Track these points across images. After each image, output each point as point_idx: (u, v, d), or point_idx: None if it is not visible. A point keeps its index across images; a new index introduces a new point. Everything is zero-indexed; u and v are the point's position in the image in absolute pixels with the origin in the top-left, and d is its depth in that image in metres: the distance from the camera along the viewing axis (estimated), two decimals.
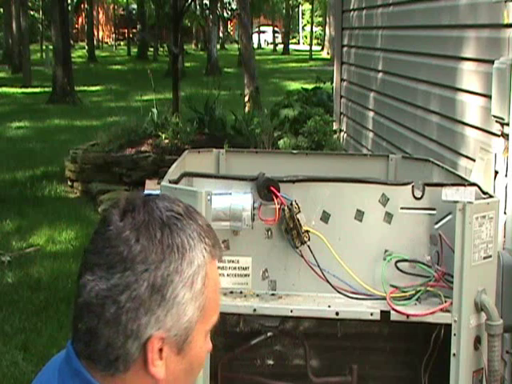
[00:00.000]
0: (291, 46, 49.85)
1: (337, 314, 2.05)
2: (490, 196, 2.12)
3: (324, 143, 8.01)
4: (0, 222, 8.14)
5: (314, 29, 54.53)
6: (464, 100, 4.20)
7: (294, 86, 20.76)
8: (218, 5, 31.07)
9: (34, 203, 9.00)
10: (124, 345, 1.09)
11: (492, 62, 3.47)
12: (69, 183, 10.02)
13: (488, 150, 3.56)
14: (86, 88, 22.51)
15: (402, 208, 2.12)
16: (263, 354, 2.27)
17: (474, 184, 2.15)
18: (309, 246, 2.09)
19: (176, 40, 11.84)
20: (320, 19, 57.93)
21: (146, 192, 1.22)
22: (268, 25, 58.58)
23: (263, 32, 58.54)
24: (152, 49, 37.81)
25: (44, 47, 33.85)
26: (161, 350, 1.11)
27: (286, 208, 2.09)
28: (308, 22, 56.60)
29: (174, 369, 1.13)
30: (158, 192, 1.13)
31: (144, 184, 7.59)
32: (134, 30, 45.42)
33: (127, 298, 1.08)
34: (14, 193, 9.53)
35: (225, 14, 35.26)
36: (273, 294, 2.16)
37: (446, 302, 2.01)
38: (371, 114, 6.79)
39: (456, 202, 1.99)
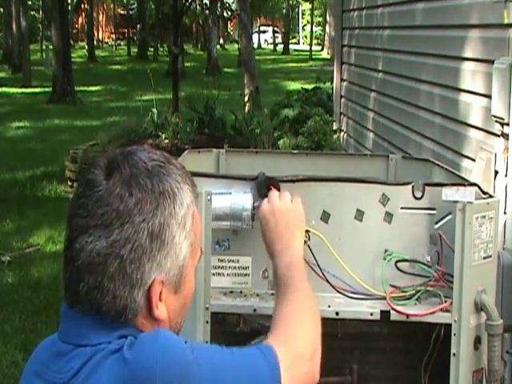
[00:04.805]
0: (291, 46, 49.83)
1: (337, 314, 2.05)
2: (490, 196, 2.11)
3: (324, 143, 8.02)
4: (0, 222, 8.14)
5: (314, 29, 54.49)
6: (464, 100, 4.20)
7: (294, 85, 20.76)
8: (218, 5, 31.08)
9: (33, 203, 9.00)
10: (130, 293, 1.13)
11: (492, 62, 3.47)
12: (69, 183, 10.01)
13: (488, 150, 3.56)
14: (86, 88, 22.50)
15: (402, 208, 2.11)
16: None
17: (474, 184, 2.14)
18: (309, 246, 2.09)
19: (176, 40, 11.86)
20: (320, 19, 57.92)
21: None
22: (268, 25, 58.57)
23: (263, 32, 58.56)
24: (152, 49, 37.79)
25: (44, 47, 33.84)
26: (160, 293, 1.16)
27: None
28: (308, 22, 56.59)
29: (173, 307, 1.19)
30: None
31: None
32: (134, 30, 45.45)
33: (129, 250, 1.12)
34: (14, 193, 9.53)
35: (225, 14, 35.29)
36: (273, 294, 2.15)
37: (445, 301, 2.01)
38: (371, 114, 6.78)
39: (456, 202, 1.99)
